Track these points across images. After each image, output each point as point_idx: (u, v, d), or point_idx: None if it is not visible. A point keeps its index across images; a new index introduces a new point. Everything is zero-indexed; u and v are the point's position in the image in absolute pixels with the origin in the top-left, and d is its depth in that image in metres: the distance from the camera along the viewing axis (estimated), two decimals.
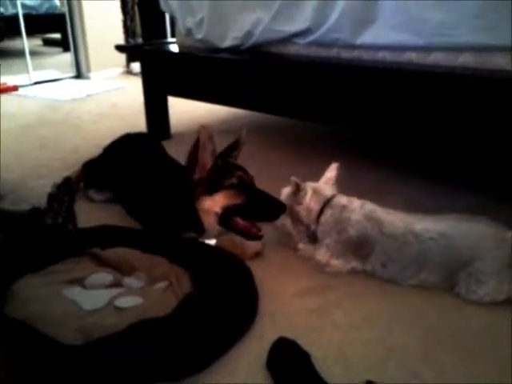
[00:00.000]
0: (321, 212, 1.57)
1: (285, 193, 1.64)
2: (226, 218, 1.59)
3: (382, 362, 1.17)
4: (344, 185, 1.68)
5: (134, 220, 1.85)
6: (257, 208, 1.56)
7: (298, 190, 1.59)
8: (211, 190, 1.58)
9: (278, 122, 3.05)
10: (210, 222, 1.61)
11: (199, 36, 2.56)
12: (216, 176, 1.58)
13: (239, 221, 1.59)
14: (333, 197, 1.59)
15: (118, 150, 2.09)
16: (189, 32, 2.64)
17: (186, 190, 1.61)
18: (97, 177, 2.08)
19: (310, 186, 1.60)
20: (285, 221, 1.67)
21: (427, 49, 1.86)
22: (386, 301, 1.40)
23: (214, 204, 1.58)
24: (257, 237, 1.58)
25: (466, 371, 1.14)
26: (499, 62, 1.70)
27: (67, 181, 2.06)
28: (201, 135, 1.55)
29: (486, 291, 1.33)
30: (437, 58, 1.85)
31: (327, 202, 1.57)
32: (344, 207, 1.53)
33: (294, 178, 1.57)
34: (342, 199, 1.57)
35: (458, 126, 1.76)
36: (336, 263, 1.52)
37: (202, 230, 1.63)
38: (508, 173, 1.99)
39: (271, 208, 1.55)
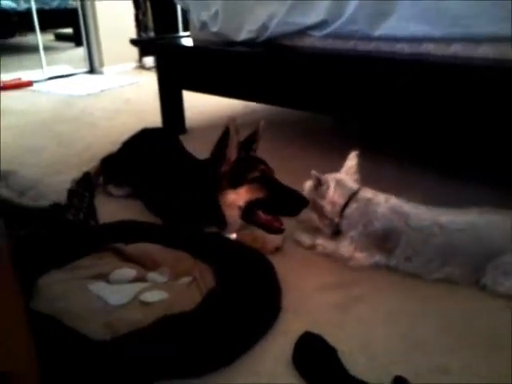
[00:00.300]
0: (345, 205, 1.56)
1: (307, 187, 1.63)
2: (248, 211, 1.60)
3: (407, 356, 1.17)
4: (361, 178, 1.67)
5: (153, 215, 1.86)
6: (279, 202, 1.56)
7: (319, 184, 1.58)
8: (235, 184, 1.58)
9: (292, 115, 3.04)
10: (232, 215, 1.62)
11: (214, 29, 2.55)
12: (240, 169, 1.58)
13: (261, 215, 1.59)
14: (358, 190, 1.58)
15: (136, 145, 2.10)
16: (203, 25, 2.63)
17: (209, 184, 1.61)
18: (116, 172, 2.10)
19: (332, 178, 1.59)
20: (311, 215, 1.66)
21: (445, 40, 1.84)
22: (410, 295, 1.39)
23: (237, 198, 1.59)
24: (279, 230, 1.59)
25: (491, 364, 1.14)
26: None
27: (86, 176, 2.08)
28: (230, 128, 1.54)
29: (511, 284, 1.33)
30: (455, 50, 1.84)
31: (352, 196, 1.56)
32: (369, 200, 1.53)
33: (314, 172, 1.57)
34: (368, 193, 1.57)
35: (477, 118, 1.74)
36: (360, 256, 1.52)
37: (224, 224, 1.63)
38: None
39: (294, 202, 1.55)
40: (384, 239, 1.49)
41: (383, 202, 1.51)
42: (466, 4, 1.71)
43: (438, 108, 1.83)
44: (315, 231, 1.68)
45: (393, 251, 1.48)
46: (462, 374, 1.12)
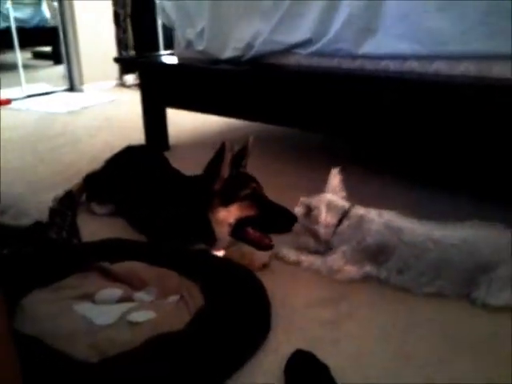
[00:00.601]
0: (338, 224, 1.56)
1: (297, 212, 1.63)
2: (238, 228, 1.59)
3: (399, 371, 1.16)
4: (348, 194, 1.69)
5: (137, 232, 1.84)
6: (269, 220, 1.56)
7: (310, 211, 1.59)
8: (226, 201, 1.57)
9: (278, 131, 3.06)
10: (222, 232, 1.61)
11: (200, 47, 2.56)
12: (232, 187, 1.58)
13: (251, 231, 1.58)
14: (350, 208, 1.58)
15: (120, 162, 2.08)
16: (189, 44, 2.64)
17: (201, 200, 1.60)
18: (99, 189, 2.06)
19: (322, 201, 1.59)
20: (306, 239, 1.67)
21: (429, 58, 1.87)
22: (400, 310, 1.39)
23: (228, 215, 1.57)
24: (269, 247, 1.58)
25: (483, 378, 1.14)
26: (500, 70, 1.72)
27: (69, 194, 2.04)
28: (226, 147, 1.55)
29: (506, 297, 1.34)
30: (438, 67, 1.87)
31: (344, 214, 1.57)
32: (362, 217, 1.53)
33: (303, 200, 1.59)
34: (360, 210, 1.57)
35: (460, 134, 1.77)
36: (350, 269, 1.52)
37: (213, 241, 1.61)
38: (507, 180, 2.01)
39: (283, 220, 1.55)
40: (377, 253, 1.49)
41: (376, 218, 1.52)
42: (450, 23, 1.75)
43: (422, 124, 1.86)
44: (300, 248, 1.68)
45: (384, 264, 1.48)
46: None
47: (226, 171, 1.58)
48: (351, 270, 1.52)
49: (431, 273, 1.42)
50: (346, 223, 1.55)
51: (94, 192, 2.09)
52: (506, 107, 1.64)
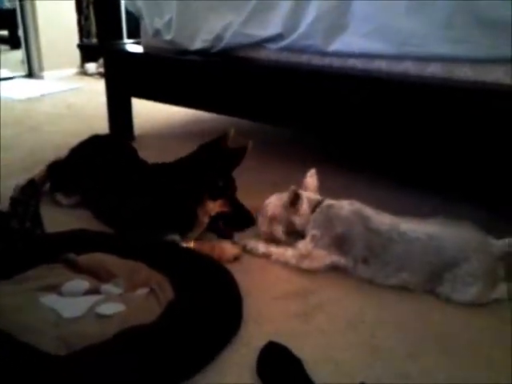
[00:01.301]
0: (312, 212, 1.61)
1: (275, 199, 1.67)
2: (215, 221, 1.70)
3: (369, 364, 1.19)
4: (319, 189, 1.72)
5: (102, 224, 1.81)
6: (236, 218, 1.72)
7: (296, 199, 1.61)
8: (215, 195, 1.67)
9: (243, 125, 3.04)
10: (202, 223, 1.71)
11: (168, 37, 2.52)
12: (225, 183, 1.69)
13: (221, 224, 1.71)
14: (323, 199, 1.64)
15: (86, 151, 2.03)
16: (156, 32, 2.59)
17: (192, 188, 1.66)
18: (64, 179, 2.01)
19: (304, 194, 1.65)
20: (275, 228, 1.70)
21: (397, 57, 1.90)
22: (368, 303, 1.42)
23: (213, 208, 1.69)
24: (232, 236, 1.73)
25: (449, 370, 1.18)
26: (467, 72, 1.76)
27: (31, 183, 1.97)
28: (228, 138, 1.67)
29: (472, 292, 1.38)
30: (406, 68, 1.90)
31: (318, 204, 1.62)
32: (332, 205, 1.59)
33: (293, 188, 1.60)
34: (331, 201, 1.62)
35: (425, 132, 1.82)
36: (318, 254, 1.54)
37: (189, 230, 1.67)
38: (470, 176, 2.08)
39: (246, 220, 1.73)
40: (343, 240, 1.52)
41: (347, 205, 1.56)
42: (418, 24, 1.78)
43: (388, 122, 1.90)
44: (269, 240, 1.69)
45: (350, 252, 1.51)
46: (422, 379, 1.15)
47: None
48: (319, 255, 1.54)
49: (396, 264, 1.46)
50: (318, 210, 1.60)
51: (59, 182, 2.03)
52: (472, 109, 1.70)
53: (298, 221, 1.63)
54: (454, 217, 1.51)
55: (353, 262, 1.52)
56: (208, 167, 1.65)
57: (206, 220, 1.70)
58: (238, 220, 1.72)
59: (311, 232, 1.58)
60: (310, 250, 1.55)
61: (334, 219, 1.54)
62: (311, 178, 1.71)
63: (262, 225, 1.71)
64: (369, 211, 1.54)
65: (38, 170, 2.12)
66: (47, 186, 2.07)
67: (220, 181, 1.66)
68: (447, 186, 2.30)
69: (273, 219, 1.68)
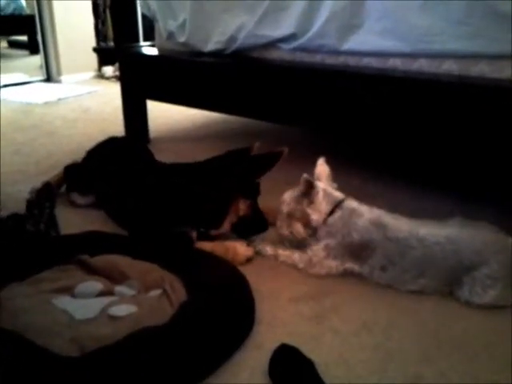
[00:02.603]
0: (330, 213, 1.53)
1: (289, 195, 1.60)
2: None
3: (383, 366, 1.16)
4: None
5: (116, 224, 1.83)
6: (253, 221, 1.72)
7: (310, 188, 1.52)
8: (248, 195, 1.70)
9: (257, 126, 3.05)
10: (230, 222, 1.71)
11: (181, 39, 2.52)
12: (257, 185, 1.71)
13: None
14: (343, 199, 1.55)
15: (103, 152, 2.06)
16: (170, 35, 2.60)
17: (232, 185, 1.66)
18: (80, 180, 2.04)
19: (320, 185, 1.55)
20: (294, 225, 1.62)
21: (412, 55, 1.87)
22: (383, 306, 1.40)
23: (243, 209, 1.69)
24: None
25: (465, 373, 1.15)
26: (483, 69, 1.73)
27: (47, 186, 1.99)
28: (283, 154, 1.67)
29: (491, 295, 1.34)
30: (421, 65, 1.88)
31: (338, 204, 1.53)
32: (353, 211, 1.51)
33: (306, 176, 1.51)
34: (353, 203, 1.54)
35: (441, 132, 1.79)
36: (329, 263, 1.51)
37: (219, 225, 1.69)
38: (489, 178, 2.04)
39: (261, 224, 1.72)
40: (360, 250, 1.48)
41: (366, 213, 1.50)
42: (433, 21, 1.75)
43: (404, 122, 1.87)
44: (277, 242, 1.67)
45: (367, 260, 1.48)
46: (436, 382, 1.12)
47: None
48: (331, 265, 1.51)
49: (414, 270, 1.42)
50: (337, 214, 1.52)
51: (75, 182, 2.06)
52: (489, 106, 1.66)
53: (314, 216, 1.53)
54: (473, 217, 1.48)
55: (369, 269, 1.49)
56: (243, 167, 1.66)
57: (234, 219, 1.69)
58: (255, 223, 1.71)
59: (325, 240, 1.52)
60: (322, 260, 1.52)
61: (352, 228, 1.48)
62: (322, 166, 1.62)
63: (281, 227, 1.63)
64: (387, 218, 1.49)
65: (53, 173, 2.15)
66: (63, 188, 2.09)
67: (255, 182, 1.68)
68: (466, 186, 2.26)
69: (290, 216, 1.59)
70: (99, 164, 2.00)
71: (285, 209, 1.59)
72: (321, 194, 1.53)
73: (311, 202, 1.54)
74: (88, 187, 2.00)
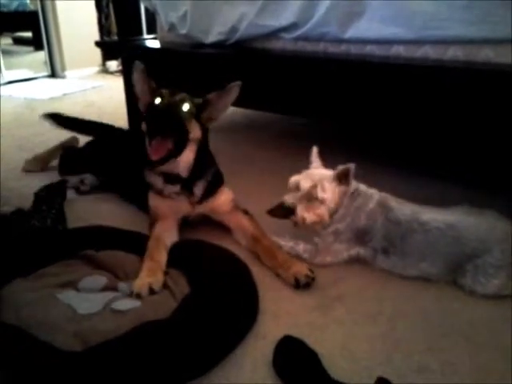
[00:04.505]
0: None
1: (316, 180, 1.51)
2: None
3: (388, 356, 1.16)
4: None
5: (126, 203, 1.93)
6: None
7: (346, 176, 1.48)
8: None
9: (260, 117, 3.03)
10: None
11: (183, 31, 2.51)
12: None
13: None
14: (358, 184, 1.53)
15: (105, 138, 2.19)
16: (172, 27, 2.59)
17: None
18: (74, 163, 2.14)
19: (325, 175, 1.51)
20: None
21: (416, 42, 1.85)
22: (387, 295, 1.39)
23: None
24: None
25: (470, 361, 1.14)
26: (488, 54, 1.71)
27: (61, 183, 2.00)
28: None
29: (494, 284, 1.33)
30: (426, 52, 1.85)
31: (357, 188, 1.51)
32: (366, 195, 1.50)
33: (347, 166, 1.47)
34: (365, 187, 1.54)
35: (447, 119, 1.76)
36: (336, 248, 1.51)
37: None
38: (496, 165, 2.01)
39: None
40: (364, 232, 1.48)
41: (375, 196, 1.50)
42: (437, 7, 1.73)
43: (409, 109, 1.85)
44: (278, 233, 1.65)
45: (370, 243, 1.48)
46: (443, 372, 1.11)
47: None
48: (337, 249, 1.51)
49: (415, 254, 1.42)
50: (356, 198, 1.50)
51: (68, 165, 2.16)
52: (495, 91, 1.63)
53: (330, 203, 1.48)
54: (480, 206, 1.46)
55: (372, 252, 1.48)
56: None
57: None
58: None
59: (335, 225, 1.50)
60: (329, 246, 1.51)
61: (362, 211, 1.48)
62: (316, 156, 1.59)
63: (303, 211, 1.50)
64: (393, 202, 1.49)
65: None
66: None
67: None
68: (474, 175, 2.23)
69: (321, 200, 1.49)
70: (102, 147, 2.11)
71: (320, 194, 1.48)
72: (326, 185, 1.49)
73: (346, 189, 1.49)
74: (81, 168, 2.09)
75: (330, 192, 1.48)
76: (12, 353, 1.04)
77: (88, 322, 1.17)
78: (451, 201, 1.50)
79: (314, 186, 1.49)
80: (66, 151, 2.25)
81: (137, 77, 1.72)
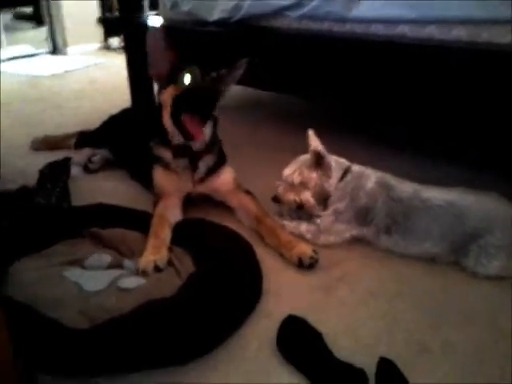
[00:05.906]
0: (341, 179, 1.54)
1: (296, 165, 1.58)
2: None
3: (389, 336, 1.18)
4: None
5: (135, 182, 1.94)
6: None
7: (320, 159, 1.52)
8: None
9: (263, 96, 3.02)
10: None
11: (186, 8, 2.48)
12: None
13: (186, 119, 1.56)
14: (350, 165, 1.57)
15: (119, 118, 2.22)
16: (174, 4, 2.55)
17: None
18: (90, 137, 2.22)
19: (330, 157, 1.55)
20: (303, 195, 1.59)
21: (420, 22, 1.83)
22: (390, 275, 1.40)
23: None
24: (191, 138, 1.55)
25: (471, 342, 1.16)
26: (492, 34, 1.68)
27: (66, 160, 2.01)
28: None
29: (496, 265, 1.34)
30: (431, 32, 1.83)
31: (347, 169, 1.55)
32: (361, 174, 1.53)
33: (314, 148, 1.52)
34: (360, 167, 1.57)
35: (451, 99, 1.75)
36: (338, 228, 1.52)
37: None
38: (498, 147, 2.00)
39: None
40: (366, 212, 1.49)
41: (373, 176, 1.52)
42: None
43: (413, 90, 1.83)
44: (280, 214, 1.67)
45: (372, 222, 1.49)
46: (444, 351, 1.13)
47: None
48: (339, 230, 1.52)
49: (418, 233, 1.43)
50: (347, 179, 1.53)
51: (84, 139, 2.24)
52: (498, 72, 1.62)
53: (327, 183, 1.53)
54: (483, 188, 1.46)
55: (375, 231, 1.50)
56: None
57: None
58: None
59: (335, 205, 1.53)
60: (330, 226, 1.52)
61: (361, 191, 1.50)
62: (313, 138, 1.57)
63: (287, 195, 1.59)
64: (392, 180, 1.50)
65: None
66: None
67: None
68: (476, 155, 2.22)
69: (303, 185, 1.55)
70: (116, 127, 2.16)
71: (296, 179, 1.55)
72: (333, 163, 1.54)
73: (324, 171, 1.53)
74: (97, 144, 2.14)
75: (307, 176, 1.54)
76: (20, 329, 1.06)
77: (94, 300, 1.19)
78: (452, 184, 1.51)
79: (293, 172, 1.55)
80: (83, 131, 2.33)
81: (153, 44, 1.67)
